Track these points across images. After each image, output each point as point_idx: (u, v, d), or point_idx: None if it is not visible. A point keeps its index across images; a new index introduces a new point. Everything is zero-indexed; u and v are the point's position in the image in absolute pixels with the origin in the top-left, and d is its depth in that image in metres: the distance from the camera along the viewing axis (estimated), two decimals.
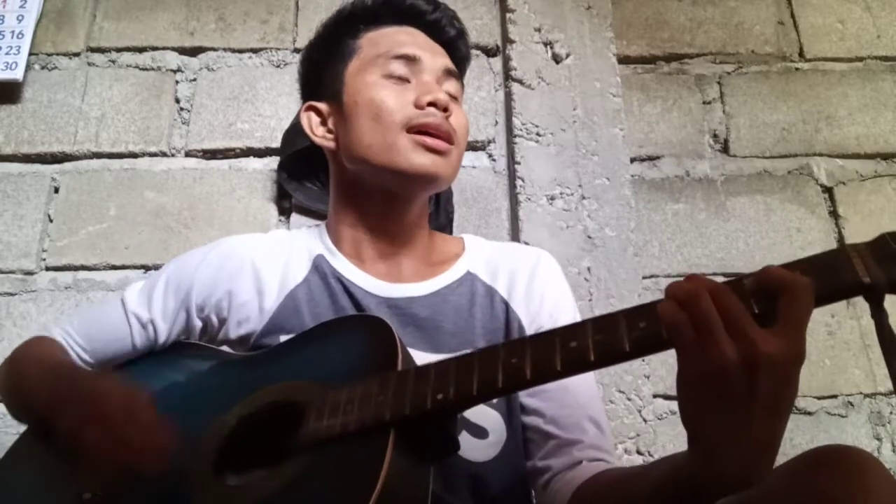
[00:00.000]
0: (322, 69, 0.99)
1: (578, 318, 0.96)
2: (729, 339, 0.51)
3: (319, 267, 0.92)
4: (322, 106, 0.97)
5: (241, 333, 0.89)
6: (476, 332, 0.89)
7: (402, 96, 0.90)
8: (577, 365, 0.58)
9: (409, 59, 0.93)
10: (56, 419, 0.75)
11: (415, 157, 0.88)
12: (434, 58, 0.95)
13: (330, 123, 0.96)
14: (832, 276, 0.54)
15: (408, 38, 0.95)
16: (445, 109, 0.90)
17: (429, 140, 0.88)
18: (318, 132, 0.97)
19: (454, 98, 0.96)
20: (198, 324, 0.92)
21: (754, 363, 0.50)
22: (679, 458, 0.60)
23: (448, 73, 0.96)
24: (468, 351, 0.66)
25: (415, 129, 0.88)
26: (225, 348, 0.91)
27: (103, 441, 0.70)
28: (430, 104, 0.89)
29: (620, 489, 0.72)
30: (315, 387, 0.70)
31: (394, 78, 0.92)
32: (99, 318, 0.96)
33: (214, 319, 0.91)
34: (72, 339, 0.93)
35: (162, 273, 0.97)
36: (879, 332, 0.53)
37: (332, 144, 0.96)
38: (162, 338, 0.92)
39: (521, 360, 0.60)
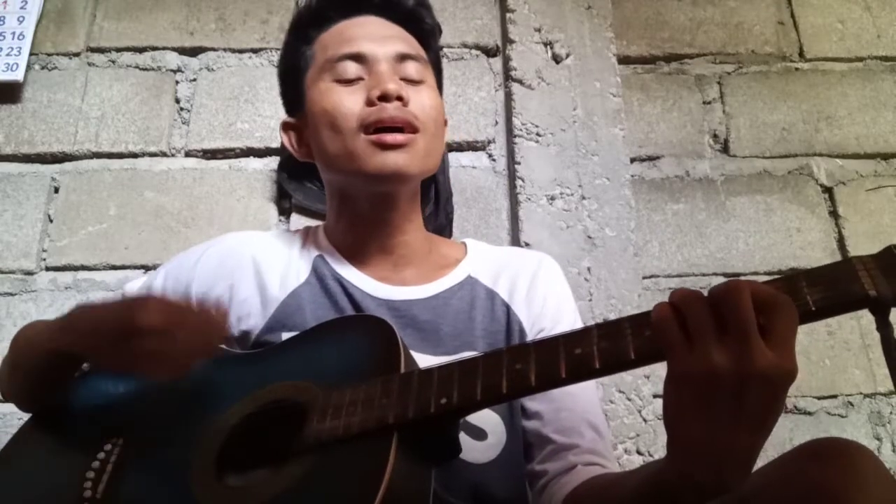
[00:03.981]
0: (288, 84, 0.98)
1: (579, 322, 0.96)
2: (719, 346, 0.51)
3: (319, 268, 0.92)
4: (295, 121, 0.96)
5: (242, 329, 0.88)
6: (476, 333, 0.88)
7: (354, 97, 0.87)
8: (583, 372, 0.58)
9: (356, 58, 0.89)
10: (98, 339, 0.74)
11: (375, 159, 0.85)
12: (383, 46, 0.90)
13: (305, 137, 0.95)
14: (837, 288, 0.54)
15: (354, 32, 0.91)
16: (400, 98, 0.86)
17: (387, 137, 0.85)
18: (298, 148, 0.96)
19: (414, 82, 0.91)
20: None
21: (748, 375, 0.50)
22: (659, 462, 0.61)
23: (402, 58, 0.91)
24: (471, 355, 0.66)
25: (371, 128, 0.86)
26: (223, 345, 0.90)
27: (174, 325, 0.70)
28: (381, 98, 0.86)
29: (606, 493, 0.73)
30: (317, 387, 0.70)
31: (344, 81, 0.88)
32: None
33: None
34: None
35: (162, 268, 0.97)
36: (885, 346, 0.53)
37: (310, 158, 0.95)
38: None
39: (526, 365, 0.60)
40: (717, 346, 0.51)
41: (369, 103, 0.86)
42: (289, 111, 1.00)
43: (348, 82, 0.88)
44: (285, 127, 0.97)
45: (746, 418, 0.52)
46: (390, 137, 0.85)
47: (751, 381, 0.50)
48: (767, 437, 0.54)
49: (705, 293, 0.54)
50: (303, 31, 0.96)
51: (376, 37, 0.91)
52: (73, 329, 0.77)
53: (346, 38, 0.91)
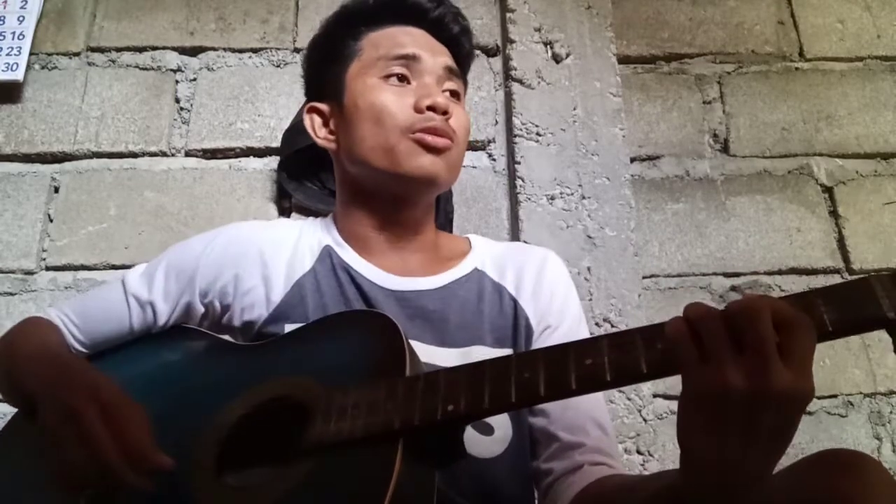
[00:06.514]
0: (324, 70, 0.99)
1: (583, 319, 0.97)
2: (735, 365, 0.50)
3: (327, 258, 0.92)
4: (324, 107, 0.97)
5: (246, 320, 0.88)
6: (484, 326, 0.89)
7: (403, 99, 0.90)
8: (594, 384, 0.58)
9: (409, 59, 0.92)
10: (40, 408, 0.74)
11: (414, 160, 0.88)
12: (434, 57, 0.94)
13: (332, 125, 0.96)
14: (854, 308, 0.53)
15: (408, 39, 0.95)
16: (445, 112, 0.90)
17: (429, 138, 0.88)
18: (320, 133, 0.97)
19: (455, 97, 0.96)
20: (200, 309, 0.91)
21: (765, 394, 0.50)
22: (672, 474, 0.60)
23: (449, 73, 0.95)
24: (479, 355, 0.66)
25: (415, 133, 0.88)
26: (226, 336, 0.89)
27: (81, 439, 0.68)
28: (430, 108, 0.89)
29: (615, 499, 0.73)
30: (320, 385, 0.69)
31: (394, 80, 0.91)
32: (97, 299, 0.95)
33: (217, 305, 0.90)
34: (67, 318, 0.92)
35: (163, 256, 0.96)
36: None
37: (333, 146, 0.96)
38: (161, 320, 0.91)
39: (535, 375, 0.59)
40: (733, 364, 0.50)
41: (418, 110, 0.89)
42: (314, 97, 1.00)
43: (398, 83, 0.92)
44: (311, 110, 0.98)
45: (760, 438, 0.51)
46: (432, 139, 0.88)
47: (767, 400, 0.50)
48: (781, 457, 0.54)
49: (717, 307, 0.53)
50: (352, 25, 0.98)
51: (428, 47, 0.95)
52: (35, 380, 0.78)
53: (401, 42, 0.94)
